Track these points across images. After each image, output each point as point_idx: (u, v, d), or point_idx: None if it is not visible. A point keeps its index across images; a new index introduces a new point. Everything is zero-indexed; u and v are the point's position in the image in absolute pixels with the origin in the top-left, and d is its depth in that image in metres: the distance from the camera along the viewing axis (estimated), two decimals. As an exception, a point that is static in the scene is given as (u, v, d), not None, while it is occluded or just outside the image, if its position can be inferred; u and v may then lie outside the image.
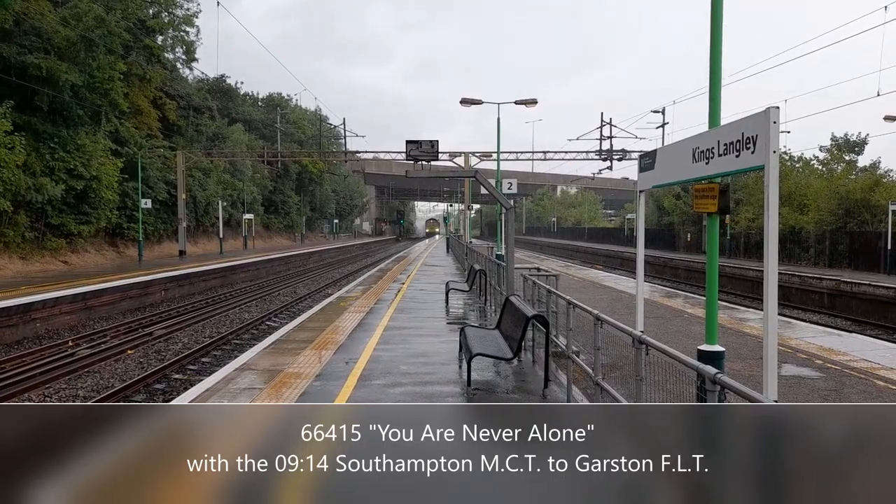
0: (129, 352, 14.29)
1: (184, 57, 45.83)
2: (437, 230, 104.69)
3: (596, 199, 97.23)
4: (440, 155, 25.45)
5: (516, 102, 25.58)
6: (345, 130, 58.02)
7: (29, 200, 26.25)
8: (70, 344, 14.83)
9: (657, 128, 44.43)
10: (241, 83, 69.67)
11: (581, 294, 16.97)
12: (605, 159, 42.97)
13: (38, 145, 27.77)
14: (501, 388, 7.67)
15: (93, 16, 28.46)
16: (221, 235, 44.09)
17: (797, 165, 38.98)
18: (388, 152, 44.63)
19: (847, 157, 39.25)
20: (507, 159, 39.96)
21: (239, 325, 17.89)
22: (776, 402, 2.95)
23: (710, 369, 3.47)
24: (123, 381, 11.56)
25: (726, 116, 4.76)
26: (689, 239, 44.54)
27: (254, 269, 33.22)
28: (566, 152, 42.77)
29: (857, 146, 39.87)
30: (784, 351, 9.91)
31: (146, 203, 34.26)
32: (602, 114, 44.40)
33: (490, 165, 40.58)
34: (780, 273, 4.57)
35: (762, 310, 3.86)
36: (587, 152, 43.25)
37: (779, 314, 4.52)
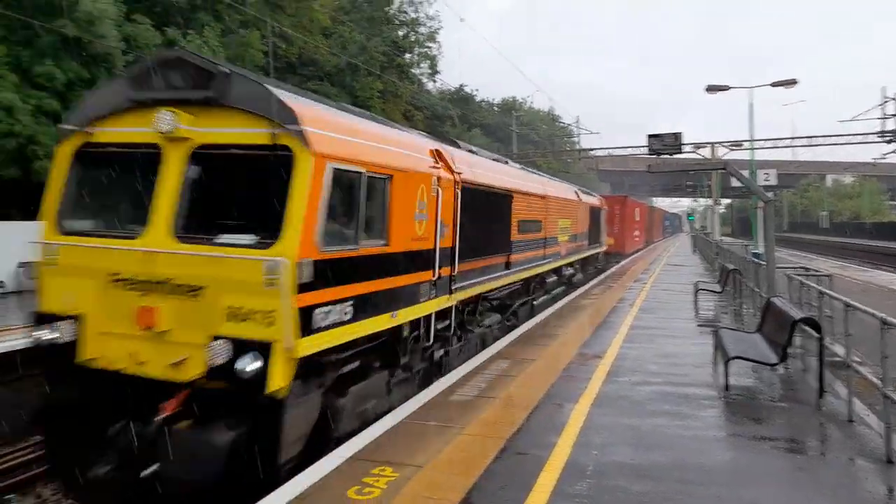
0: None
1: (428, 71, 49.76)
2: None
3: (879, 189, 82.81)
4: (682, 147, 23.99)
5: (773, 84, 23.04)
6: (578, 129, 57.74)
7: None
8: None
9: (963, 99, 36.49)
10: (477, 91, 73.08)
11: (862, 299, 14.70)
12: (889, 141, 36.57)
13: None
14: (765, 395, 7.07)
15: (357, 45, 32.50)
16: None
17: None
18: (622, 147, 43.52)
19: None
20: (762, 147, 36.25)
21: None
22: None
23: None
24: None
25: None
26: None
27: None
28: (837, 136, 37.31)
29: None
30: None
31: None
32: (884, 88, 37.49)
33: (739, 155, 37.08)
34: None
35: None
36: (865, 134, 37.24)
37: None
